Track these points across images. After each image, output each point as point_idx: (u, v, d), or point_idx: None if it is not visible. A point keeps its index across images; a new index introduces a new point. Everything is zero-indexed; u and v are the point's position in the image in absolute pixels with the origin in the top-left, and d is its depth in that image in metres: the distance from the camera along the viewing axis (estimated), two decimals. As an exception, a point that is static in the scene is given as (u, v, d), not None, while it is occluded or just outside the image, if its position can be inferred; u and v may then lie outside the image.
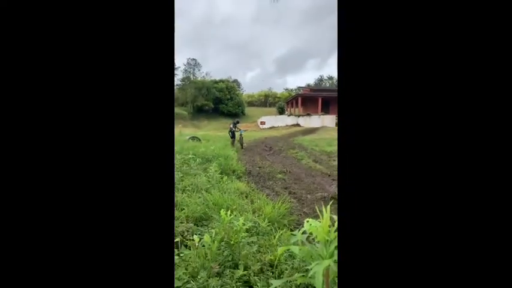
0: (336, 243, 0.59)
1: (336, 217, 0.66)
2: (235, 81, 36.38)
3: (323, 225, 0.61)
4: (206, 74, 33.41)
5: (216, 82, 29.84)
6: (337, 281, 1.09)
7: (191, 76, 32.63)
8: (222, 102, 28.59)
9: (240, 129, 9.83)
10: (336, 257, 0.61)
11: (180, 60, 33.42)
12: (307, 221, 0.65)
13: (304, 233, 0.67)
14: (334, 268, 0.60)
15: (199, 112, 27.85)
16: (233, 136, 9.77)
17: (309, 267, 0.62)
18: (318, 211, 0.72)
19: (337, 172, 4.36)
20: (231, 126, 10.01)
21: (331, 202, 0.62)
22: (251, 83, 70.14)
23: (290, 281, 1.62)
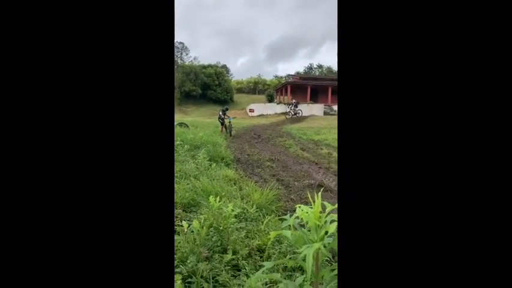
0: (326, 229, 0.61)
1: (326, 203, 0.69)
2: (224, 66, 35.63)
3: (314, 211, 0.63)
4: (194, 59, 32.53)
5: (204, 67, 29.07)
6: (325, 265, 1.14)
7: (178, 60, 31.61)
8: (210, 88, 28.01)
9: (228, 117, 9.75)
10: (325, 242, 0.64)
11: (166, 43, 32.07)
12: (299, 207, 0.67)
13: (296, 217, 0.68)
14: (325, 253, 0.63)
15: (187, 98, 27.22)
16: (222, 123, 9.69)
17: (297, 251, 0.64)
18: (309, 197, 0.74)
19: (324, 160, 4.45)
20: (220, 113, 9.90)
21: (322, 189, 0.63)
22: (241, 68, 68.95)
23: (279, 264, 1.67)
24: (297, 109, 15.88)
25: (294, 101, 16.73)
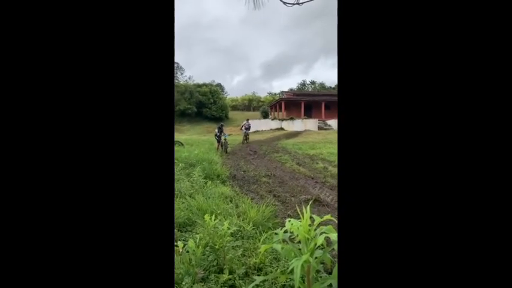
0: (315, 241, 0.63)
1: (315, 217, 0.70)
2: (219, 85, 36.28)
3: (303, 224, 0.64)
4: (189, 78, 33.14)
5: (199, 86, 29.59)
6: (318, 278, 1.13)
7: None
8: (205, 106, 28.35)
9: (224, 134, 9.80)
10: (316, 255, 0.65)
11: (162, 63, 32.80)
12: (289, 221, 0.68)
13: (286, 232, 0.69)
14: (315, 265, 0.63)
15: (182, 116, 27.41)
16: (219, 140, 9.72)
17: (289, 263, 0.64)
18: (300, 213, 0.75)
19: (320, 175, 4.45)
20: (216, 130, 9.96)
21: (310, 202, 0.64)
22: (237, 86, 70.43)
23: (273, 279, 1.64)
24: (248, 132, 13.05)
25: (246, 122, 13.45)
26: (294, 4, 1.72)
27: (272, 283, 1.73)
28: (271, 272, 1.87)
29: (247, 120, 13.71)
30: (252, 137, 15.14)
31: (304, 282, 0.66)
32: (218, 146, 9.71)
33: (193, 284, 1.67)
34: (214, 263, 1.92)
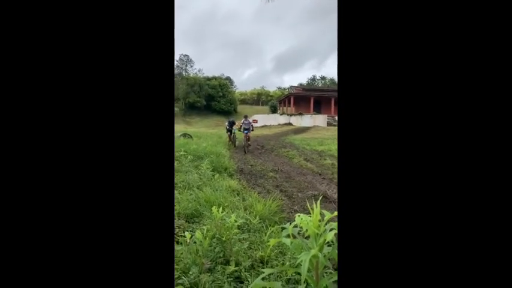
0: (325, 237, 0.62)
1: (325, 212, 0.70)
2: (228, 78, 36.22)
3: (313, 219, 0.64)
4: (199, 71, 33.17)
5: (208, 79, 29.63)
6: (325, 274, 1.13)
7: (183, 72, 32.27)
8: (214, 100, 28.43)
9: (234, 128, 9.82)
10: (325, 251, 0.65)
11: (172, 56, 32.91)
12: (299, 215, 0.68)
13: (295, 226, 0.69)
14: (323, 261, 0.63)
15: (191, 109, 27.61)
16: (230, 135, 9.76)
17: (296, 257, 0.64)
18: (309, 208, 0.75)
19: (327, 171, 4.41)
20: (227, 124, 9.99)
21: (320, 198, 0.64)
22: (248, 80, 70.28)
23: (280, 272, 1.65)
24: (247, 133, 8.61)
25: (245, 120, 9.21)
26: (307, -3, 1.68)
27: (278, 276, 1.74)
28: (276, 266, 1.88)
29: (246, 117, 9.38)
30: (259, 132, 15.09)
31: (312, 277, 0.66)
32: (229, 139, 9.74)
33: (200, 274, 1.70)
34: (221, 255, 1.95)
